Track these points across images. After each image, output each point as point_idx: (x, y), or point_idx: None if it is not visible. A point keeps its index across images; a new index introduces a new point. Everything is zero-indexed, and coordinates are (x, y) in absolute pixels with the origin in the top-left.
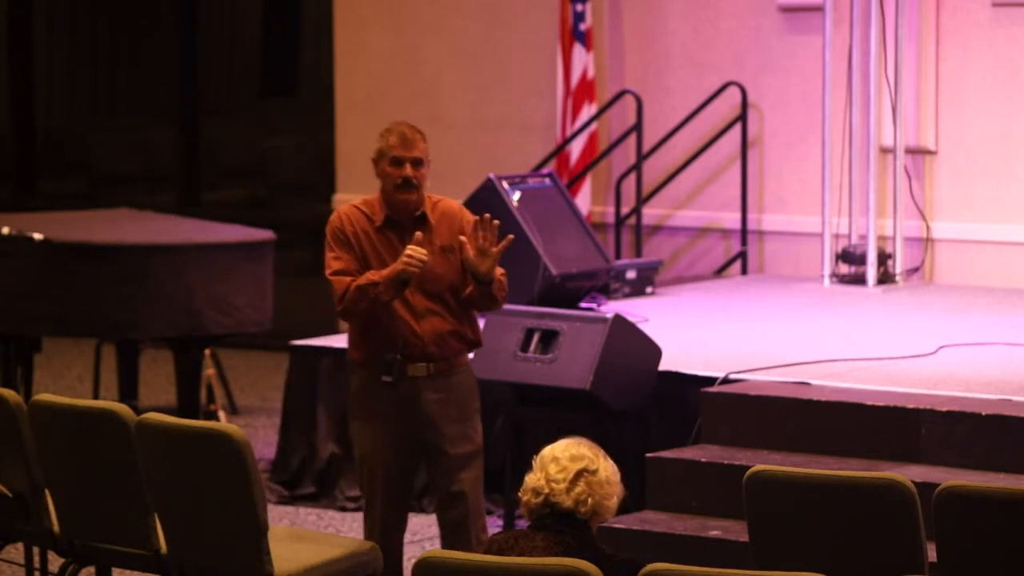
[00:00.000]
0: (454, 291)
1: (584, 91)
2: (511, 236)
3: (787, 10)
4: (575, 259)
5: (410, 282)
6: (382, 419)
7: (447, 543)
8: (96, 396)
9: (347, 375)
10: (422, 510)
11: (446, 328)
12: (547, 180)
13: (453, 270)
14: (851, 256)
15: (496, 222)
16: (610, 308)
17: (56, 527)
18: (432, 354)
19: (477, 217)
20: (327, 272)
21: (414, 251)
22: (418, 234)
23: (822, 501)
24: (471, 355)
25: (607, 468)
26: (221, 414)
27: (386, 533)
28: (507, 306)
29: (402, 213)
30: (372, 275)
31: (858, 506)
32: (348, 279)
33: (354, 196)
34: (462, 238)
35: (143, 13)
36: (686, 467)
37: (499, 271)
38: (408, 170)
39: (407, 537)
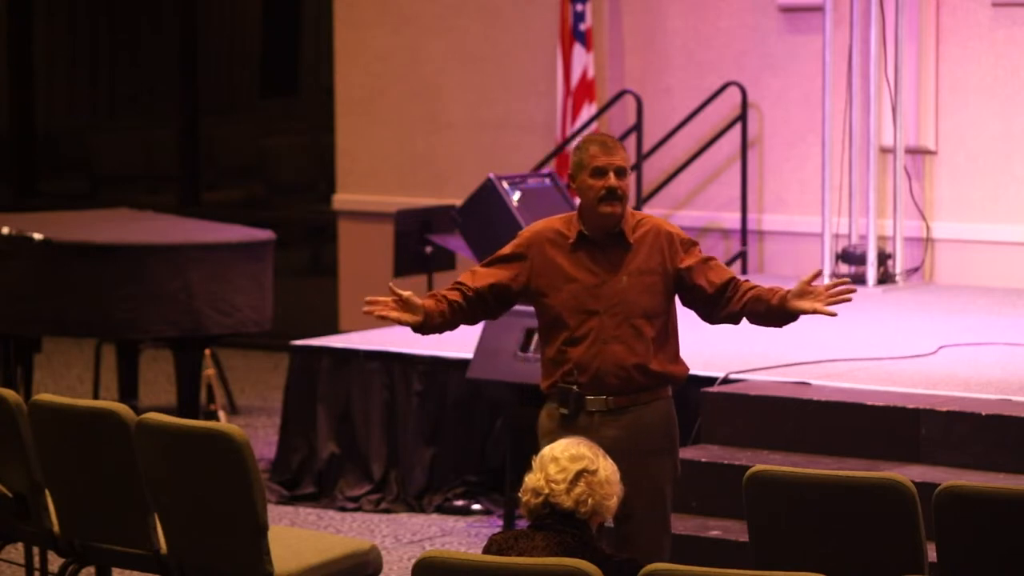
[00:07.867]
0: (649, 319)
1: (584, 91)
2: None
3: (787, 10)
4: None
5: (420, 327)
6: None
7: None
8: (96, 396)
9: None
10: (422, 510)
11: (630, 360)
12: (547, 180)
13: (651, 294)
14: (851, 256)
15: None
16: None
17: (56, 527)
18: (611, 386)
19: (687, 237)
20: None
21: (371, 302)
22: (396, 290)
23: (822, 501)
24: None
25: (607, 468)
26: (221, 414)
27: None
28: None
29: (601, 229)
30: (429, 301)
31: (858, 506)
32: (468, 276)
33: (354, 196)
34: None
35: (143, 13)
36: (686, 467)
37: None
38: (612, 180)
39: (407, 537)
